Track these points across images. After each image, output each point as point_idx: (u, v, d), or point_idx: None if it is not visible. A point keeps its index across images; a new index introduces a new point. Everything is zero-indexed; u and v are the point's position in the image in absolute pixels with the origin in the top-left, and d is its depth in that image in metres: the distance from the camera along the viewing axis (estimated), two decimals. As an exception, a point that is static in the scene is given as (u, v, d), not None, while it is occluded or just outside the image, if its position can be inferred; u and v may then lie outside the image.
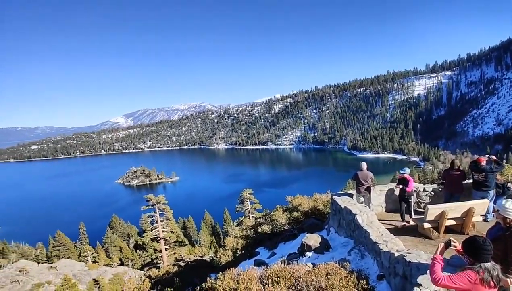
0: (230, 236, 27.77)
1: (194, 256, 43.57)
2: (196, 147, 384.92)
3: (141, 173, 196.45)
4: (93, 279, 41.32)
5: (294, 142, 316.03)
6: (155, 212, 38.95)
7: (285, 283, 5.55)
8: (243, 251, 16.52)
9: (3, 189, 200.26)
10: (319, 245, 9.92)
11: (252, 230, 20.31)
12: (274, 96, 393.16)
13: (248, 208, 41.89)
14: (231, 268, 7.44)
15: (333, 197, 11.58)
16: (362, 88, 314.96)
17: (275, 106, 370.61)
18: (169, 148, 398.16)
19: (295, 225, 16.16)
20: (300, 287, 5.33)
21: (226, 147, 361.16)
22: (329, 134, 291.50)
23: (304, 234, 11.66)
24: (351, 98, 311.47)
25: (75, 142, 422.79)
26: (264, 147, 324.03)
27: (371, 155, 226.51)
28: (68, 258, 57.44)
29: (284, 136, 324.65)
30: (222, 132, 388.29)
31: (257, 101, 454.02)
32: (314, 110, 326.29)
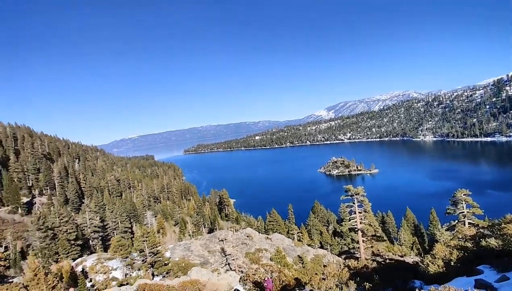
0: (440, 242, 24.10)
1: (393, 254, 40.97)
2: (398, 138, 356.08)
3: (341, 164, 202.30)
4: (298, 255, 46.64)
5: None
6: (354, 203, 39.12)
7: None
8: (458, 265, 13.90)
9: (237, 170, 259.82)
10: None
11: (472, 242, 16.73)
12: (508, 75, 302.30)
13: (463, 212, 34.80)
14: (446, 286, 6.43)
15: None
16: None
17: (507, 88, 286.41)
18: (369, 140, 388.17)
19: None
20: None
21: (434, 139, 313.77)
22: None
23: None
24: None
25: (286, 134, 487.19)
26: (489, 139, 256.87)
27: None
28: (279, 232, 67.51)
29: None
30: (430, 122, 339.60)
31: (479, 84, 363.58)
32: None
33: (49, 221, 57.94)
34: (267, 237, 56.72)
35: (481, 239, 15.22)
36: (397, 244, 63.39)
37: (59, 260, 50.34)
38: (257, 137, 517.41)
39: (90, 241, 69.41)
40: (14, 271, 44.90)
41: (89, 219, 72.20)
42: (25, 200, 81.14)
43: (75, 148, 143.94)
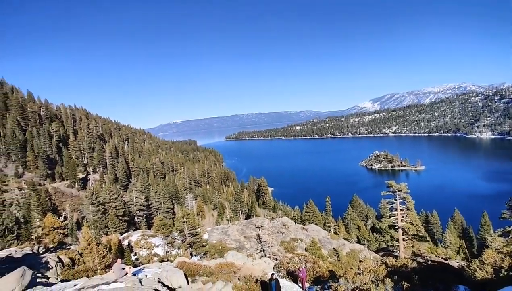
0: (490, 248, 22.49)
1: (436, 256, 38.95)
2: (449, 134, 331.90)
3: (384, 158, 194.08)
4: (333, 248, 46.16)
5: None
6: (395, 200, 37.56)
7: None
8: (510, 273, 12.89)
9: (277, 159, 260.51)
10: None
11: (526, 249, 15.40)
12: None
13: (522, 219, 31.99)
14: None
15: None
16: None
17: None
18: (416, 134, 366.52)
19: None
20: None
21: (492, 136, 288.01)
22: None
23: None
24: None
25: (327, 125, 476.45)
26: None
27: None
28: (315, 224, 67.12)
29: None
30: (488, 118, 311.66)
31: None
32: None
33: (101, 196, 62.85)
34: (303, 227, 56.67)
35: (538, 248, 13.96)
36: (442, 246, 59.97)
37: (108, 233, 54.67)
38: (297, 127, 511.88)
39: (136, 218, 74.36)
40: (71, 239, 49.63)
41: (135, 198, 77.21)
42: (81, 176, 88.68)
43: (125, 130, 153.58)
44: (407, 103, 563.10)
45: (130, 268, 14.70)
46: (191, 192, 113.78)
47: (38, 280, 17.78)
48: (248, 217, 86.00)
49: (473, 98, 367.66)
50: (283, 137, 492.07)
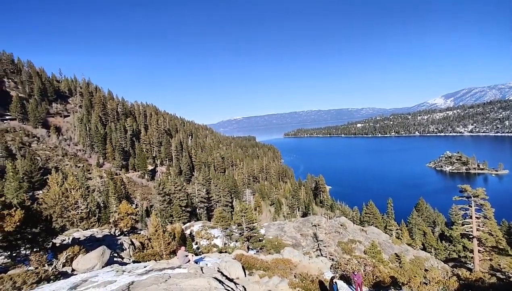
0: None
1: (520, 274, 34.55)
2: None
3: (457, 159, 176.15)
4: (395, 253, 43.54)
5: None
6: (470, 206, 34.10)
7: None
8: None
9: (335, 157, 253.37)
10: None
11: None
12: None
13: None
14: None
15: None
16: None
17: None
18: (498, 134, 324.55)
19: None
20: None
21: None
22: None
23: None
24: None
25: (391, 122, 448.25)
26: None
27: None
28: (375, 226, 63.97)
29: None
30: None
31: None
32: None
33: (167, 187, 67.80)
34: (362, 229, 54.47)
35: None
36: (527, 261, 52.74)
37: (172, 221, 58.82)
38: (358, 125, 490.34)
39: (197, 209, 78.71)
40: (141, 225, 54.51)
41: (197, 190, 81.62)
42: (150, 167, 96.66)
43: (189, 125, 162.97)
44: (488, 99, 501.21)
45: (192, 256, 15.73)
46: (249, 187, 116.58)
47: (115, 259, 20.02)
48: (305, 215, 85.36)
49: None
50: (342, 135, 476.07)
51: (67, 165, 78.20)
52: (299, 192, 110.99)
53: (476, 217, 34.09)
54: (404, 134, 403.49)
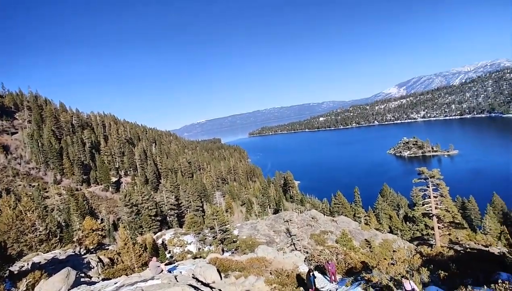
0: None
1: (475, 243, 37.47)
2: (484, 115, 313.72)
3: (413, 144, 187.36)
4: (365, 239, 45.41)
5: None
6: (428, 187, 36.35)
7: None
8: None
9: (301, 152, 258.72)
10: None
11: None
12: None
13: None
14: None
15: None
16: None
17: None
18: (447, 117, 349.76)
19: None
20: None
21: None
22: None
23: None
24: None
25: (351, 114, 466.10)
26: None
27: None
28: (345, 215, 66.23)
29: None
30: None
31: None
32: None
33: (134, 198, 65.36)
34: (333, 220, 56.11)
35: None
36: (481, 232, 57.40)
37: (143, 232, 56.83)
38: (321, 119, 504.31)
39: (168, 217, 76.71)
40: (109, 240, 52.10)
41: (166, 198, 79.57)
42: (114, 179, 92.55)
43: (152, 133, 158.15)
44: (436, 86, 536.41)
45: (165, 265, 15.30)
46: (219, 189, 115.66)
47: (82, 279, 18.89)
48: (276, 212, 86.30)
49: (508, 74, 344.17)
50: (306, 130, 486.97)
51: (19, 185, 72.58)
52: (268, 190, 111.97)
53: (434, 196, 36.40)
54: (364, 124, 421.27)
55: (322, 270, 21.16)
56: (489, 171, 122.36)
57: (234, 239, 38.96)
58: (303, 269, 20.97)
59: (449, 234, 37.92)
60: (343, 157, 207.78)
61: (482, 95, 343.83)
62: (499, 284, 5.59)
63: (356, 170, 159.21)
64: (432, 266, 15.95)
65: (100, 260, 23.89)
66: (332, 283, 19.17)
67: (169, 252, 41.79)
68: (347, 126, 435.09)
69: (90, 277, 20.61)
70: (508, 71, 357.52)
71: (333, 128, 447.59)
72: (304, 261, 24.75)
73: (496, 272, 13.88)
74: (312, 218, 53.50)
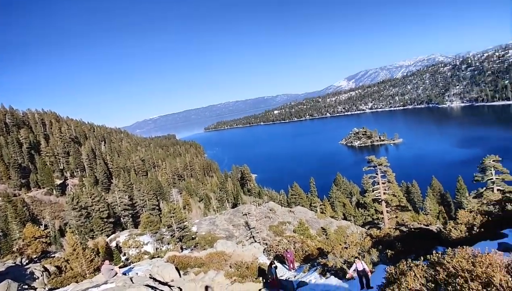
0: (464, 209, 23.76)
1: (418, 224, 40.73)
2: (423, 106, 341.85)
3: (363, 134, 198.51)
4: (321, 227, 47.29)
5: None
6: (377, 174, 38.79)
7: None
8: (482, 230, 13.76)
9: (258, 145, 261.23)
10: None
11: (497, 206, 16.46)
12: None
13: (492, 179, 33.82)
14: (464, 246, 6.46)
15: None
16: None
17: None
18: (392, 108, 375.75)
19: None
20: None
21: (462, 104, 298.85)
22: None
23: None
24: None
25: (305, 107, 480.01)
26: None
27: None
28: (302, 205, 68.34)
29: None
30: (457, 87, 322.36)
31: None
32: None
33: (82, 201, 61.29)
34: (290, 210, 57.62)
35: (506, 203, 14.91)
36: (423, 213, 62.79)
37: (94, 236, 53.66)
38: (275, 112, 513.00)
39: (121, 219, 73.22)
40: (55, 247, 48.40)
41: (119, 198, 75.77)
42: (58, 182, 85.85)
43: (100, 130, 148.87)
44: (381, 79, 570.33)
45: (119, 268, 14.57)
46: (175, 186, 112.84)
47: (25, 291, 17.37)
48: (234, 206, 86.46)
49: (441, 68, 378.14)
50: (262, 123, 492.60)
51: None
52: (226, 184, 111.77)
53: (382, 183, 38.96)
54: (317, 117, 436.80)
55: (281, 260, 21.69)
56: (429, 157, 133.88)
57: (193, 236, 38.36)
58: (263, 260, 21.31)
59: (396, 217, 40.84)
60: (298, 149, 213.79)
61: (421, 88, 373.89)
62: (433, 255, 6.14)
63: (311, 161, 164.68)
64: (380, 246, 17.10)
65: (46, 269, 22.12)
66: (291, 270, 19.76)
67: (124, 255, 40.02)
68: (301, 119, 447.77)
69: (35, 289, 19.02)
70: (442, 65, 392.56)
71: (287, 121, 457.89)
72: (263, 252, 25.15)
73: (434, 247, 15.28)
74: (270, 210, 54.43)
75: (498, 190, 32.27)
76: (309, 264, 19.65)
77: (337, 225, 50.58)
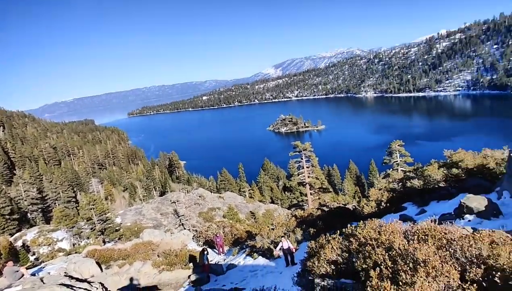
0: (375, 188, 26.80)
1: (337, 203, 44.63)
2: (342, 95, 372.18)
3: (289, 121, 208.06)
4: (250, 211, 48.74)
5: (461, 88, 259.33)
6: (302, 159, 41.22)
7: (434, 243, 4.98)
8: (388, 204, 15.78)
9: (186, 131, 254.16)
10: (484, 208, 8.38)
11: (400, 184, 18.95)
12: (438, 33, 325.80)
13: (397, 161, 38.78)
14: (373, 219, 7.27)
15: (513, 154, 9.27)
16: None
17: (437, 46, 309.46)
18: (315, 97, 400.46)
19: (453, 183, 14.04)
20: (452, 250, 4.69)
21: (375, 95, 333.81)
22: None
23: (465, 194, 9.99)
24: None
25: (233, 93, 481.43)
26: (421, 94, 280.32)
27: None
28: (231, 191, 69.30)
29: (447, 81, 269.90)
30: (371, 79, 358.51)
31: (414, 41, 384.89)
32: (495, 46, 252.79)
33: (-23, 196, 52.41)
34: (219, 196, 57.95)
35: (407, 181, 17.28)
36: (342, 194, 69.26)
37: (-6, 236, 46.58)
38: (204, 98, 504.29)
39: (29, 214, 64.81)
40: None
41: (24, 191, 66.72)
42: None
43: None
44: (306, 68, 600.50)
45: (26, 268, 12.93)
46: (95, 176, 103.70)
47: None
48: (162, 194, 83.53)
49: (358, 61, 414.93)
50: (190, 109, 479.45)
51: None
52: (153, 172, 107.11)
53: (306, 167, 41.61)
54: (246, 103, 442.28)
55: (211, 245, 21.79)
56: (347, 142, 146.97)
57: (117, 228, 36.02)
58: (192, 246, 21.10)
59: (319, 198, 44.23)
60: (227, 135, 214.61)
61: (341, 78, 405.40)
62: (348, 228, 6.90)
63: (239, 147, 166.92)
64: (304, 226, 18.34)
65: None
66: (220, 254, 20.02)
67: (34, 254, 35.70)
68: (230, 105, 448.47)
69: None
70: (359, 58, 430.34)
71: (216, 107, 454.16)
72: (193, 238, 24.91)
73: (350, 223, 17.02)
74: (200, 197, 53.98)
75: (401, 170, 37.10)
76: (238, 247, 20.14)
77: (265, 208, 52.64)
